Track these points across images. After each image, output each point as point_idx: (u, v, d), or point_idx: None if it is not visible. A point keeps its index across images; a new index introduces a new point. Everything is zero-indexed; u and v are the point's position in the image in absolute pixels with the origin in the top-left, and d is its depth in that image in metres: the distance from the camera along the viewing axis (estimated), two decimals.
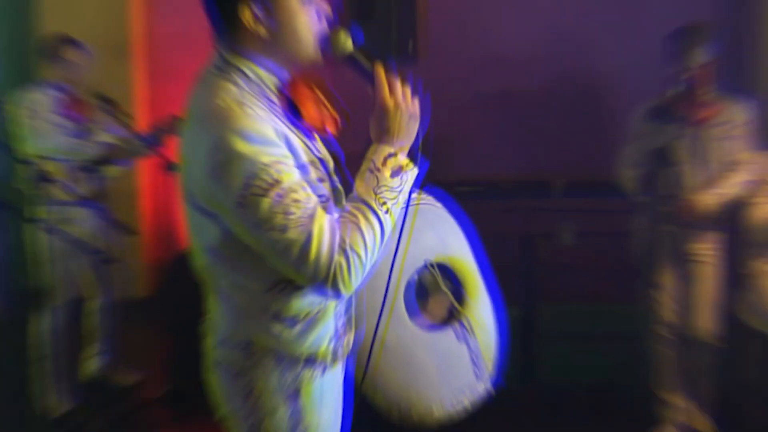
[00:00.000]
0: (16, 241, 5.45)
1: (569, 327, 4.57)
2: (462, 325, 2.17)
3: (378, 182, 1.62)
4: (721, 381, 3.93)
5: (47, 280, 4.18)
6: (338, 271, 1.54)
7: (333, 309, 1.79)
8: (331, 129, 1.80)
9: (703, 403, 3.87)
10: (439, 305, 2.20)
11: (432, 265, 2.15)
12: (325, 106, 1.80)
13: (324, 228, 1.54)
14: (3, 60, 5.77)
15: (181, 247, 5.26)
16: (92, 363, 4.58)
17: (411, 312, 2.11)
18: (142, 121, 5.51)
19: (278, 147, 1.56)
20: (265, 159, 1.52)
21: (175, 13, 5.60)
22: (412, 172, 1.68)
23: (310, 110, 1.73)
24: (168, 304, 4.58)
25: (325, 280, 1.55)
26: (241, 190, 1.52)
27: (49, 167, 4.07)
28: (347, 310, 1.86)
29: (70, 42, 4.27)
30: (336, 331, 1.82)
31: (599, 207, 4.33)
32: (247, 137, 1.52)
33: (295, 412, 1.77)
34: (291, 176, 1.55)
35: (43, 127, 4.07)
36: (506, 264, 4.48)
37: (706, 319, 3.73)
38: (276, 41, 1.67)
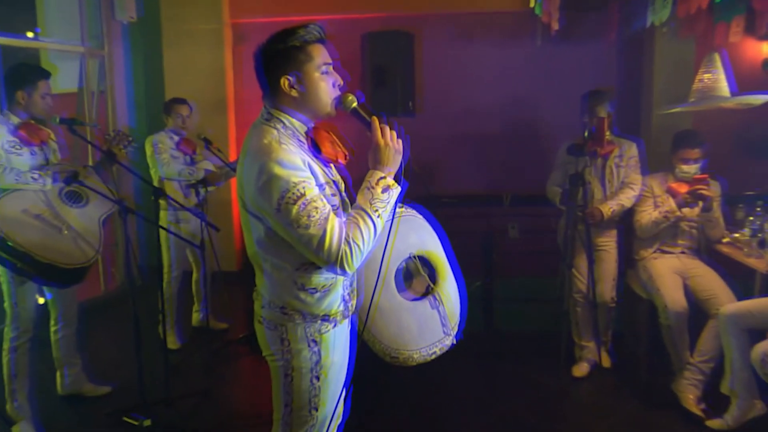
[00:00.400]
0: (145, 235, 5.53)
1: (516, 293, 4.55)
2: (434, 297, 2.17)
3: (372, 196, 1.67)
4: (617, 330, 3.93)
5: (167, 260, 4.20)
6: (344, 256, 1.61)
7: (341, 282, 1.82)
8: (342, 160, 1.85)
9: (605, 346, 3.86)
10: (419, 284, 2.20)
11: (414, 257, 2.16)
12: (338, 145, 1.84)
13: (335, 227, 1.61)
14: (143, 113, 5.76)
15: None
16: (197, 315, 4.58)
17: (399, 288, 2.12)
18: (232, 155, 5.51)
19: (304, 171, 1.63)
20: (294, 179, 1.60)
21: (250, 82, 5.56)
22: (396, 190, 1.72)
23: (327, 147, 1.78)
24: (250, 275, 4.61)
25: (335, 263, 1.62)
26: (278, 201, 1.60)
27: (168, 186, 4.10)
28: (351, 283, 1.88)
29: (181, 101, 4.25)
30: (343, 297, 1.85)
31: (535, 213, 4.29)
32: (282, 164, 1.60)
33: (315, 354, 1.80)
34: (312, 191, 1.61)
35: (165, 158, 4.08)
36: (473, 251, 4.49)
37: (607, 289, 3.74)
38: (304, 101, 1.74)
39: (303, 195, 1.60)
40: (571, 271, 3.71)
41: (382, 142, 1.68)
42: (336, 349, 1.84)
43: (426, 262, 2.17)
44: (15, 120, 3.03)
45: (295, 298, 1.76)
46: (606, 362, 3.83)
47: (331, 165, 1.82)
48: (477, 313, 4.25)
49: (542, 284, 4.35)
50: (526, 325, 4.44)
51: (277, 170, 1.60)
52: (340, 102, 1.75)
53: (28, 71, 3.05)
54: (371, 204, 1.66)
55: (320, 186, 1.67)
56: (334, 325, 1.82)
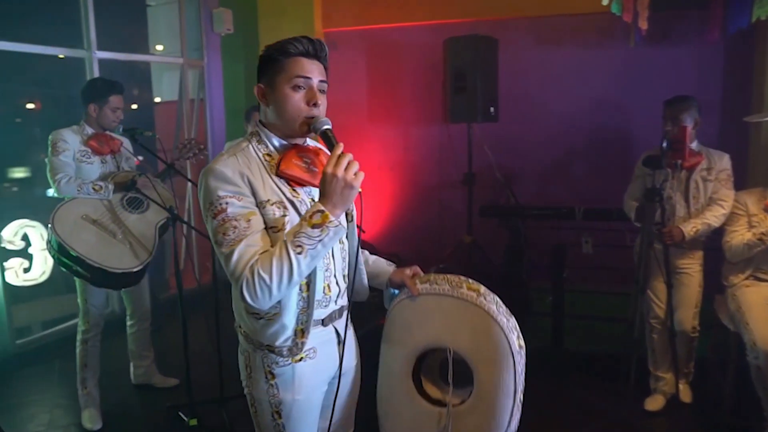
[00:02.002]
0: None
1: (588, 311, 4.06)
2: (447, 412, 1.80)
3: (300, 229, 1.41)
4: (698, 362, 3.36)
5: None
6: (245, 285, 1.40)
7: (288, 315, 1.55)
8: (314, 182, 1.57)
9: (686, 378, 3.32)
10: (435, 388, 1.87)
11: (449, 353, 1.77)
12: (312, 166, 1.58)
13: (244, 251, 1.42)
14: (231, 121, 5.84)
15: None
16: None
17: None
18: None
19: (235, 186, 1.46)
20: (220, 193, 1.45)
21: (344, 88, 5.54)
22: (333, 229, 1.41)
23: (295, 169, 1.54)
24: None
25: (238, 289, 1.42)
26: (205, 212, 1.48)
27: None
28: (300, 323, 1.58)
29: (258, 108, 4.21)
30: (294, 332, 1.57)
31: (611, 227, 3.80)
32: (215, 175, 1.46)
33: (272, 387, 1.60)
34: (234, 209, 1.45)
35: None
36: (543, 265, 4.08)
37: (688, 317, 3.18)
38: (274, 114, 1.55)
39: (223, 210, 1.44)
40: (645, 294, 3.21)
41: (329, 171, 1.39)
42: (298, 387, 1.60)
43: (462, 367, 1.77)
44: (87, 131, 3.12)
45: (245, 321, 1.60)
46: (686, 397, 3.29)
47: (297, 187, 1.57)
48: (546, 330, 3.86)
49: (616, 303, 3.85)
50: (597, 344, 3.94)
51: (209, 181, 1.47)
52: (313, 122, 1.52)
53: (100, 86, 3.12)
54: (295, 238, 1.40)
55: (259, 204, 1.48)
56: (288, 361, 1.58)
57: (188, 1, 5.27)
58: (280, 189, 1.52)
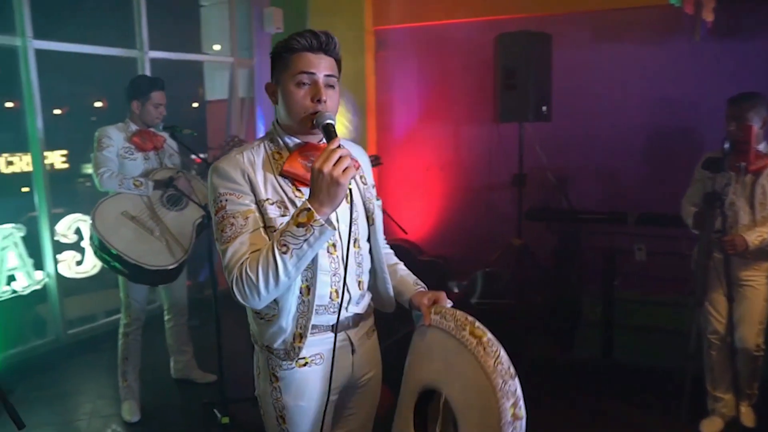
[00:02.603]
0: None
1: (640, 321, 3.81)
2: None
3: (286, 228, 1.35)
4: (763, 383, 3.08)
5: None
6: (234, 282, 1.39)
7: (282, 318, 1.50)
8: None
9: (750, 400, 3.05)
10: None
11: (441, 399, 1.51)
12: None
13: (237, 248, 1.40)
14: None
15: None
16: None
17: None
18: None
19: (235, 184, 1.45)
20: (221, 190, 1.46)
21: (395, 86, 5.50)
22: (318, 229, 1.33)
23: (298, 168, 1.49)
24: None
25: (230, 286, 1.41)
26: (210, 204, 1.49)
27: None
28: (299, 327, 1.52)
29: None
30: (292, 335, 1.52)
31: (667, 234, 3.54)
32: (218, 173, 1.47)
33: (275, 390, 1.57)
34: (233, 206, 1.44)
35: None
36: (594, 272, 3.88)
37: (751, 333, 2.92)
38: (283, 112, 1.51)
39: (223, 207, 1.44)
40: (703, 307, 2.97)
41: (316, 166, 1.32)
42: (301, 393, 1.55)
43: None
44: (131, 128, 3.18)
45: (251, 320, 1.59)
46: (748, 421, 3.02)
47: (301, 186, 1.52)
48: (595, 340, 3.66)
49: (671, 315, 3.60)
50: (649, 358, 3.69)
51: (212, 178, 1.48)
52: (316, 117, 1.46)
53: (142, 83, 3.17)
54: (281, 237, 1.35)
55: (259, 202, 1.45)
56: (289, 365, 1.54)
57: (239, 1, 5.33)
58: (282, 188, 1.48)
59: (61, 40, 4.04)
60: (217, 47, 5.58)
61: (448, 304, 1.58)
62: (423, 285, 1.71)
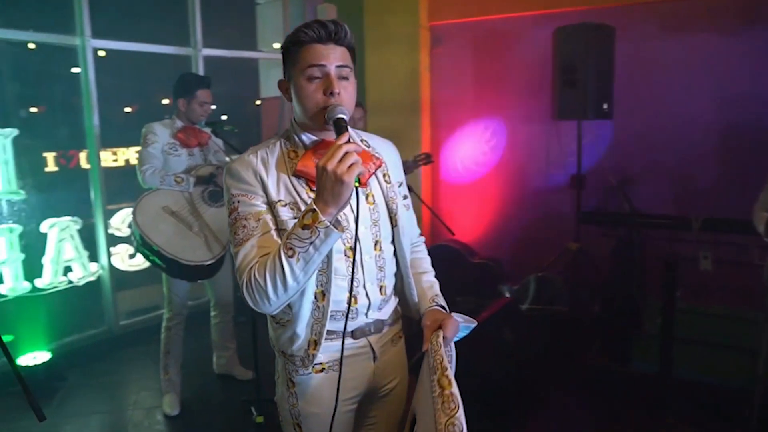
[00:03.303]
0: None
1: (703, 335, 3.54)
2: None
3: (293, 231, 1.29)
4: None
5: None
6: (245, 287, 1.33)
7: (296, 324, 1.44)
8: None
9: None
10: None
11: None
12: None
13: (248, 252, 1.36)
14: None
15: (430, 242, 5.18)
16: None
17: None
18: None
19: (247, 185, 1.41)
20: (233, 191, 1.42)
21: (450, 83, 5.39)
22: (325, 231, 1.26)
23: (311, 167, 1.41)
24: None
25: (241, 290, 1.35)
26: (225, 206, 1.46)
27: None
28: (314, 333, 1.45)
29: (355, 104, 4.12)
30: (307, 341, 1.46)
31: (735, 241, 3.25)
32: (230, 173, 1.44)
33: (292, 396, 1.52)
34: (246, 207, 1.40)
35: None
36: (654, 282, 3.62)
37: None
38: (298, 108, 1.44)
39: (235, 209, 1.40)
40: None
41: (320, 164, 1.25)
42: (318, 400, 1.50)
43: None
44: (177, 124, 3.21)
45: (269, 323, 1.54)
46: None
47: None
48: (653, 354, 3.41)
49: (738, 329, 3.31)
50: (712, 376, 3.41)
51: (225, 179, 1.45)
52: (327, 111, 1.38)
53: (189, 81, 3.20)
54: (287, 240, 1.29)
55: (271, 203, 1.40)
56: (304, 371, 1.48)
57: None
58: (295, 189, 1.42)
59: (117, 39, 4.16)
60: (276, 45, 5.62)
61: (458, 330, 1.48)
62: (441, 303, 1.61)
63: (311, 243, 1.26)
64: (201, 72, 4.56)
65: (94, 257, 4.10)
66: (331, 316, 1.44)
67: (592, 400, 3.25)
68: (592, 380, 3.47)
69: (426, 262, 1.73)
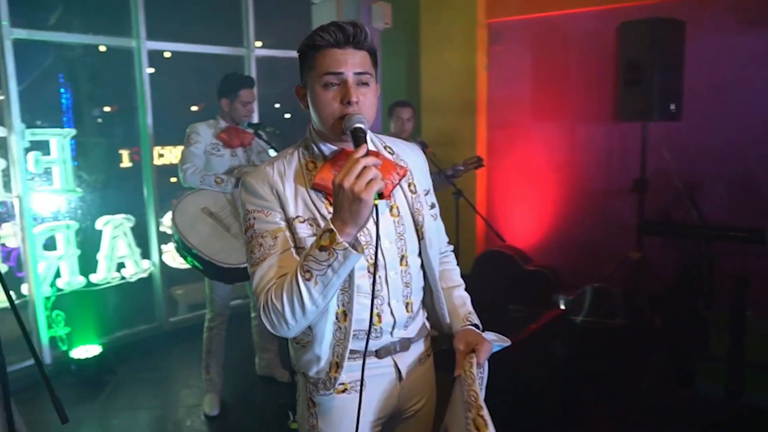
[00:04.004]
0: None
1: None
2: None
3: (310, 251, 1.20)
4: None
5: None
6: (261, 309, 1.26)
7: (317, 346, 1.36)
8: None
9: None
10: None
11: None
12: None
13: (265, 272, 1.27)
14: (387, 118, 5.79)
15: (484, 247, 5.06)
16: None
17: None
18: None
19: (263, 200, 1.32)
20: (249, 207, 1.34)
21: (507, 82, 5.20)
22: (343, 253, 1.16)
23: (329, 181, 1.31)
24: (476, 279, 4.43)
25: (259, 313, 1.27)
26: (241, 222, 1.38)
27: None
28: (335, 355, 1.36)
29: (403, 104, 4.03)
30: (328, 364, 1.37)
31: None
32: (246, 188, 1.35)
33: (311, 417, 1.44)
34: (262, 225, 1.32)
35: None
36: (722, 299, 3.32)
37: None
38: (315, 117, 1.34)
39: (251, 226, 1.32)
40: None
41: (336, 181, 1.15)
42: (339, 421, 1.41)
43: None
44: (221, 125, 3.20)
45: (289, 342, 1.45)
46: None
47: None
48: (721, 378, 3.13)
49: None
50: None
51: (241, 194, 1.36)
52: (344, 121, 1.28)
53: (231, 80, 3.18)
54: (304, 261, 1.20)
55: (288, 221, 1.31)
56: (325, 392, 1.39)
57: None
58: (314, 204, 1.32)
59: (171, 41, 4.23)
60: None
61: (483, 357, 1.37)
62: (474, 321, 1.50)
63: (329, 266, 1.17)
64: (253, 73, 4.57)
65: (146, 254, 4.18)
66: (354, 335, 1.35)
67: (650, 425, 3.02)
68: (649, 403, 3.22)
69: (456, 274, 1.63)
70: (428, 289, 1.51)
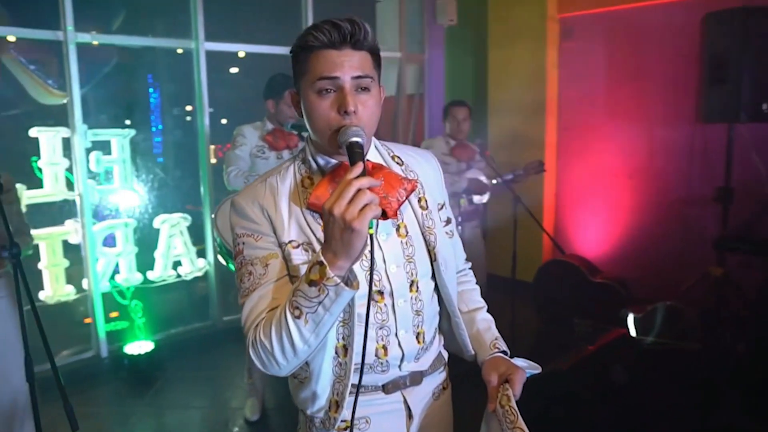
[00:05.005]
0: None
1: None
2: None
3: (298, 286, 1.06)
4: None
5: None
6: (250, 346, 1.13)
7: (315, 383, 1.22)
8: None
9: None
10: None
11: None
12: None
13: (254, 303, 1.15)
14: None
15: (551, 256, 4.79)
16: None
17: None
18: (548, 160, 4.88)
19: (252, 223, 1.19)
20: (238, 230, 1.21)
21: (580, 80, 4.87)
22: (335, 289, 1.03)
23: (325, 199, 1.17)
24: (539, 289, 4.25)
25: (247, 350, 1.14)
26: (232, 247, 1.26)
27: None
28: (335, 393, 1.22)
29: (460, 104, 3.84)
30: (320, 403, 1.24)
31: None
32: (234, 209, 1.22)
33: None
34: (251, 251, 1.18)
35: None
36: None
37: None
38: (308, 125, 1.20)
39: (240, 252, 1.20)
40: None
41: (326, 206, 1.01)
42: None
43: None
44: (268, 127, 3.14)
45: (288, 377, 1.31)
46: None
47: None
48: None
49: None
50: None
51: (230, 215, 1.23)
52: (340, 133, 1.13)
53: (277, 82, 3.10)
54: (293, 297, 1.06)
55: (281, 244, 1.17)
56: (331, 430, 1.24)
57: None
58: (309, 226, 1.18)
59: (229, 41, 4.25)
60: (384, 44, 5.48)
61: (519, 389, 1.21)
62: (502, 347, 1.33)
63: (320, 303, 1.04)
64: None
65: (202, 253, 4.23)
66: (356, 370, 1.20)
67: None
68: None
69: (476, 294, 1.46)
70: (445, 314, 1.35)
